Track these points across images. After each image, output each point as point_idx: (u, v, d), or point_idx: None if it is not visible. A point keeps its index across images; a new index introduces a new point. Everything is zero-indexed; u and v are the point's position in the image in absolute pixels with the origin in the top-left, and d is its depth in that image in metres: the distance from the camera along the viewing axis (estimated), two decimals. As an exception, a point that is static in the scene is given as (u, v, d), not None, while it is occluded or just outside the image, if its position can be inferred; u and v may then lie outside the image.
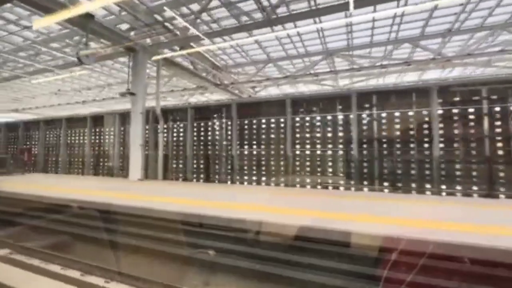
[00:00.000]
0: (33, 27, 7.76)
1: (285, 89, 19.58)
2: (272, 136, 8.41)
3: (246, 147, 8.75)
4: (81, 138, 12.08)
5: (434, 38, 10.80)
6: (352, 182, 7.35)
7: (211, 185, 8.32)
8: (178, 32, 9.99)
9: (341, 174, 7.50)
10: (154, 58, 9.49)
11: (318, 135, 7.81)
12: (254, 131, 8.67)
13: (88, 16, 7.51)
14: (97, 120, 11.69)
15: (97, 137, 11.63)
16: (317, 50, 12.78)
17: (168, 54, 10.19)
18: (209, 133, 9.40)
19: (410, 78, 15.98)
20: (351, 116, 7.50)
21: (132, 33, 9.41)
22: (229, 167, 8.84)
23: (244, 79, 14.87)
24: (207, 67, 13.40)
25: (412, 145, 6.93)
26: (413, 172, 6.86)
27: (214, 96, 19.55)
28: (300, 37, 11.47)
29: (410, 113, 7.00)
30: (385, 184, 7.08)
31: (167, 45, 10.09)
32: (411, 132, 6.96)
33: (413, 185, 6.84)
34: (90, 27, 7.74)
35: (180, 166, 9.86)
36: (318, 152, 7.77)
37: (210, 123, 9.36)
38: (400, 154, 7.00)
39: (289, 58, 13.27)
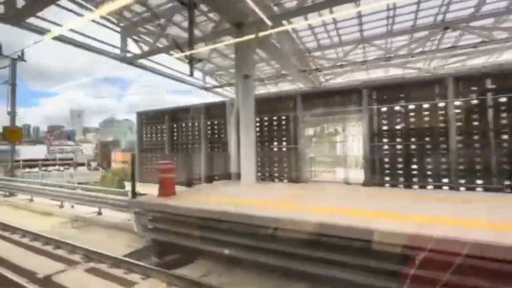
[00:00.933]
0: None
1: (355, 76, 17.52)
2: (426, 125, 6.63)
3: (385, 140, 7.05)
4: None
5: None
6: None
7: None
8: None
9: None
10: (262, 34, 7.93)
11: (505, 121, 5.91)
12: (398, 120, 6.93)
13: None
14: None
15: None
16: (424, 23, 10.69)
17: (270, 30, 8.59)
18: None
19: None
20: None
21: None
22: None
23: (327, 64, 13.08)
24: (294, 50, 11.78)
25: None
26: None
27: (284, 87, 17.93)
28: (418, 6, 9.49)
29: None
30: None
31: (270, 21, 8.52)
32: None
33: None
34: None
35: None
36: (505, 144, 5.89)
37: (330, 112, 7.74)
38: None
39: (389, 35, 11.26)
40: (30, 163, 56.73)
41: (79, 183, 19.14)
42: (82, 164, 70.00)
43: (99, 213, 8.20)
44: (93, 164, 70.98)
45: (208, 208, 4.78)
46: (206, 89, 15.75)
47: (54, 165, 64.39)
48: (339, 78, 16.41)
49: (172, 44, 8.96)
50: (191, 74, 5.96)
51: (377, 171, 7.03)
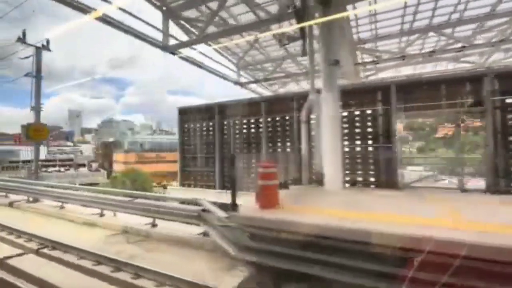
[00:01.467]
0: None
1: (399, 72, 16.34)
2: None
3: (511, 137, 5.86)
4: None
5: None
6: None
7: None
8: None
9: None
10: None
11: None
12: (529, 114, 5.76)
13: None
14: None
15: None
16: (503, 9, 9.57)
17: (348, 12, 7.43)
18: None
19: None
20: None
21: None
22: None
23: (385, 56, 11.91)
24: (349, 40, 10.60)
25: None
26: None
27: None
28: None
29: None
30: None
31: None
32: None
33: None
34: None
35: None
36: None
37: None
38: None
39: (460, 22, 10.09)
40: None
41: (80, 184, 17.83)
42: (83, 165, 68.46)
43: (154, 225, 6.91)
44: (94, 165, 69.47)
45: (356, 227, 3.55)
46: (241, 84, 14.53)
47: (54, 166, 62.87)
48: (383, 73, 15.29)
49: (234, 27, 7.71)
50: (304, 54, 4.75)
51: (503, 176, 5.84)
